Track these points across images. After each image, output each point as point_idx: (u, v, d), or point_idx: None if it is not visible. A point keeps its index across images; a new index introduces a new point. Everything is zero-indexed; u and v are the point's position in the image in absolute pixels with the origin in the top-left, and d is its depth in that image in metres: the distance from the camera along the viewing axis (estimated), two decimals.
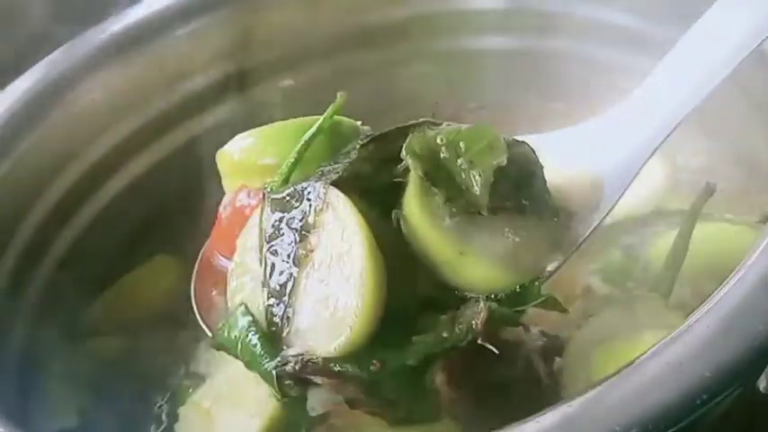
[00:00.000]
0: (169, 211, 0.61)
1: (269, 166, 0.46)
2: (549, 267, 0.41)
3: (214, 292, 0.47)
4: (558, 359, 0.46)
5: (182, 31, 0.61)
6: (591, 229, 0.42)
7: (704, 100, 0.42)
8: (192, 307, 0.49)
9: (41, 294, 0.55)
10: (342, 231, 0.39)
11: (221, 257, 0.48)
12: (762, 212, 0.49)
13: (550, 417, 0.31)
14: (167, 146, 0.62)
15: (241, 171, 0.48)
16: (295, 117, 0.60)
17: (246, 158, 0.47)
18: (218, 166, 0.49)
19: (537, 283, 0.40)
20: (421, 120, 0.43)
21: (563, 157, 0.45)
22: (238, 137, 0.48)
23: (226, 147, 0.49)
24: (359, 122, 0.48)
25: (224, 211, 0.48)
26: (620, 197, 0.43)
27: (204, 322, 0.46)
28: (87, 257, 0.58)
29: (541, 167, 0.43)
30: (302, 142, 0.45)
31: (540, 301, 0.39)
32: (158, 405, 0.51)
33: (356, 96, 0.60)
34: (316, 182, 0.41)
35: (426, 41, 0.64)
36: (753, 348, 0.31)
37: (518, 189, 0.42)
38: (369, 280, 0.38)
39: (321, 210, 0.40)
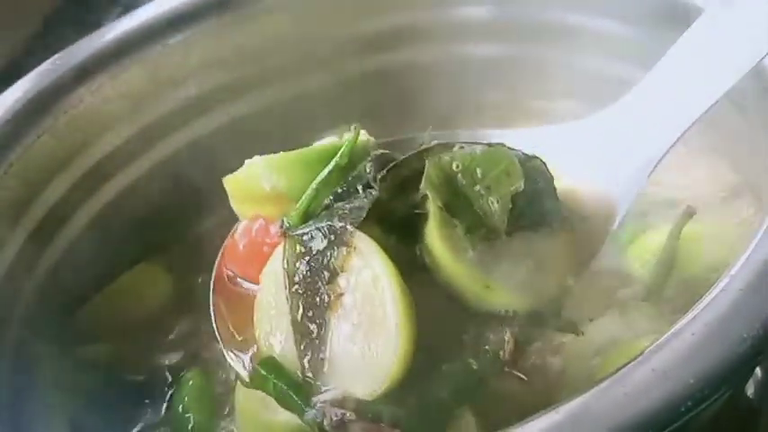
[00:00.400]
0: (159, 219, 0.62)
1: (280, 195, 0.46)
2: (570, 282, 0.42)
3: (234, 315, 0.47)
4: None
5: (173, 39, 0.61)
6: (605, 241, 0.42)
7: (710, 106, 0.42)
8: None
9: (33, 302, 0.55)
10: (371, 278, 0.39)
11: (240, 279, 0.48)
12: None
13: (537, 424, 0.31)
14: (158, 155, 0.62)
15: (251, 198, 0.48)
16: (287, 127, 0.63)
17: (256, 186, 0.47)
18: (227, 190, 0.49)
19: (557, 303, 0.40)
20: (433, 143, 0.43)
21: (572, 159, 0.46)
22: (248, 162, 0.48)
23: (235, 173, 0.48)
24: (363, 133, 0.47)
25: (240, 239, 0.48)
26: (630, 204, 0.43)
27: (220, 335, 0.46)
28: (77, 266, 0.58)
29: (552, 180, 0.43)
30: (321, 179, 0.44)
31: (558, 325, 0.40)
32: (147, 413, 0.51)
33: (351, 105, 0.62)
34: (339, 221, 0.41)
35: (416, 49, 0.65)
36: (738, 355, 0.31)
37: (532, 205, 0.42)
38: (403, 329, 0.38)
39: (348, 254, 0.40)
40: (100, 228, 0.60)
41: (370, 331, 0.39)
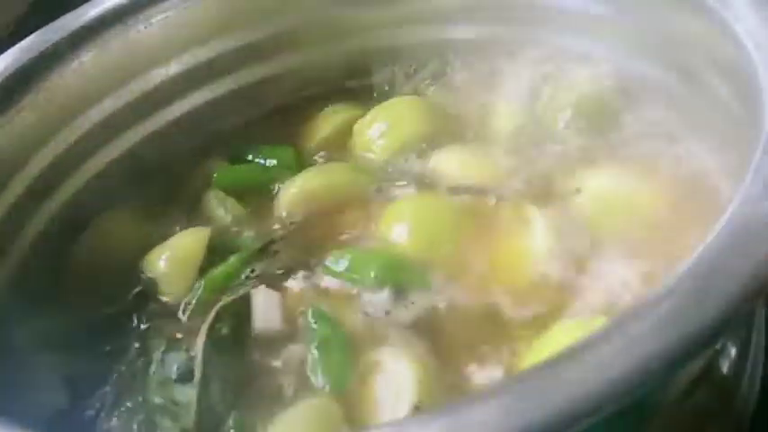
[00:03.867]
0: (140, 200, 0.61)
1: None
2: None
3: None
4: None
5: (155, 18, 0.61)
6: None
7: None
8: None
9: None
10: None
11: None
12: None
13: (509, 387, 0.31)
14: (141, 132, 0.63)
15: None
16: (269, 105, 0.63)
17: None
18: None
19: None
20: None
21: None
22: None
23: None
24: None
25: None
26: None
27: None
28: (56, 243, 0.58)
29: None
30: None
31: None
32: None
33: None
34: None
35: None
36: (712, 320, 0.31)
37: None
38: None
39: None
40: (79, 206, 0.60)
41: None
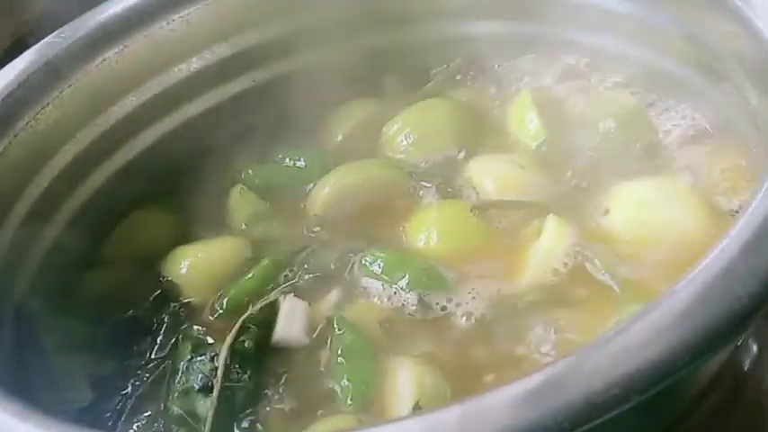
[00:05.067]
0: (159, 195, 0.62)
1: None
2: None
3: None
4: None
5: (177, 15, 0.61)
6: None
7: None
8: None
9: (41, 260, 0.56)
10: None
11: None
12: None
13: (536, 378, 0.31)
14: (162, 128, 0.63)
15: None
16: (289, 102, 0.63)
17: None
18: None
19: None
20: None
21: None
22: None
23: None
24: None
25: None
26: None
27: None
28: (76, 239, 0.59)
29: None
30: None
31: None
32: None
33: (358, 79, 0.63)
34: None
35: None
36: (733, 313, 0.31)
37: None
38: None
39: None
40: (103, 205, 0.60)
41: None
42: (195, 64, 0.63)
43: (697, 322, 0.31)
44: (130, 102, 0.61)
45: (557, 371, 0.31)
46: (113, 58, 0.60)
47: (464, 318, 0.48)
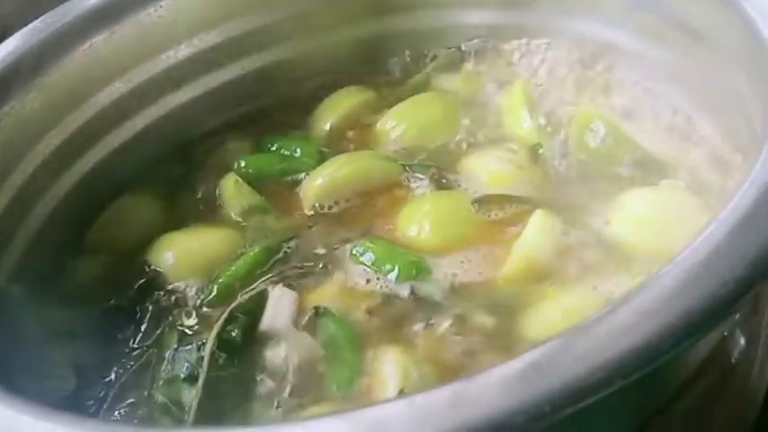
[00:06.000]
0: (155, 185, 0.62)
1: None
2: None
3: None
4: None
5: (165, 1, 0.61)
6: None
7: None
8: None
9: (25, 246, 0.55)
10: None
11: None
12: None
13: (517, 363, 0.31)
14: (150, 116, 0.63)
15: None
16: (278, 89, 0.63)
17: None
18: None
19: None
20: None
21: None
22: None
23: None
24: None
25: None
26: None
27: None
28: (60, 227, 0.58)
29: None
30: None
31: None
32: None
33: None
34: None
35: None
36: (720, 297, 0.31)
37: None
38: None
39: None
40: (90, 191, 0.60)
41: None
42: (183, 51, 0.62)
43: (682, 307, 0.31)
44: (117, 89, 0.61)
45: (538, 357, 0.31)
46: (100, 43, 0.59)
47: (447, 308, 0.48)
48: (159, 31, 0.61)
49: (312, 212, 0.57)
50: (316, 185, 0.58)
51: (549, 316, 0.46)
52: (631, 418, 0.35)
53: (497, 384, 0.30)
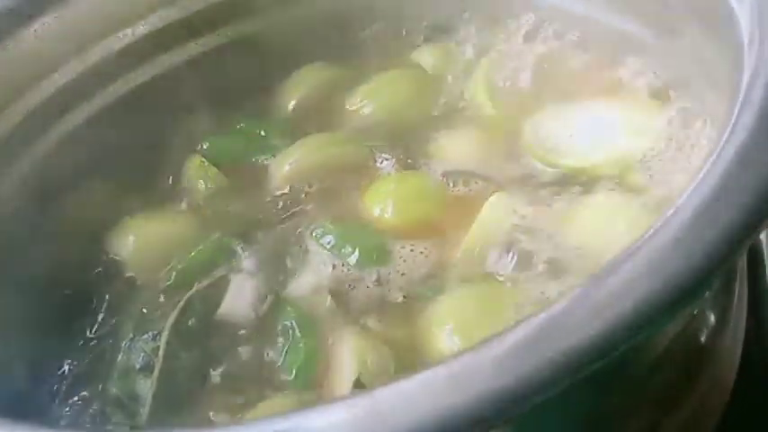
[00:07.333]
0: (115, 169, 0.59)
1: None
2: None
3: None
4: None
5: None
6: None
7: None
8: None
9: None
10: None
11: None
12: None
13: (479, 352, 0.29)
14: (105, 97, 0.61)
15: None
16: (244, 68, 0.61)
17: None
18: None
19: None
20: None
21: None
22: None
23: None
24: None
25: None
26: None
27: None
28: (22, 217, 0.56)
29: None
30: None
31: None
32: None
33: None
34: None
35: None
36: (686, 278, 0.30)
37: None
38: None
39: None
40: (45, 176, 0.58)
41: None
42: (141, 29, 0.61)
43: (641, 295, 0.29)
44: (73, 68, 0.59)
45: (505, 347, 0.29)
46: (52, 22, 0.57)
47: (401, 291, 0.47)
48: (116, 8, 0.60)
49: (279, 195, 0.56)
50: (283, 168, 0.57)
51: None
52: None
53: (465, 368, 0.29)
